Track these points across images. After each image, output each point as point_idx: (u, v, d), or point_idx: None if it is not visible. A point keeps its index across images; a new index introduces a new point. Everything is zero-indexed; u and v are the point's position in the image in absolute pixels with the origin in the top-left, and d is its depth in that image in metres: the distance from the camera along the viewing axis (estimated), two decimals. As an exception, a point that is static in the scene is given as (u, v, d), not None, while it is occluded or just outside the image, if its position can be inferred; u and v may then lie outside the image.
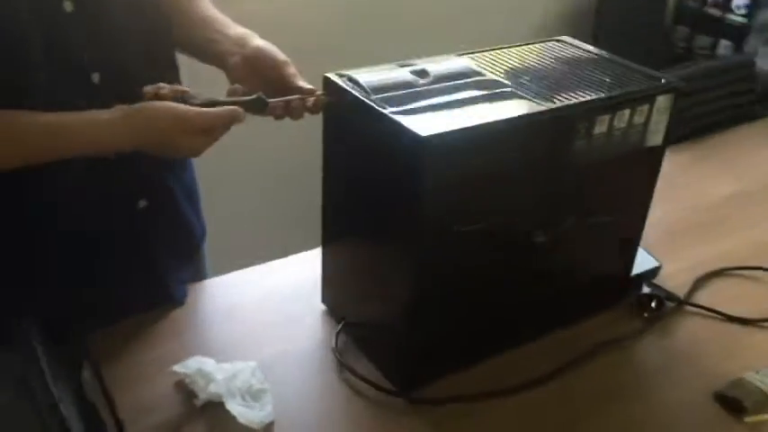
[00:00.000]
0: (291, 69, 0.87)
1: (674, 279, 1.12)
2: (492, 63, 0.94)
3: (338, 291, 1.01)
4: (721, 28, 2.40)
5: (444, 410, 0.89)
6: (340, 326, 0.97)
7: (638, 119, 0.89)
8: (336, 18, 2.05)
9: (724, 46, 2.43)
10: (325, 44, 1.83)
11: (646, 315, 1.05)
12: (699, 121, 1.61)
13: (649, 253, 1.11)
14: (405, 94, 0.83)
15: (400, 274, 0.84)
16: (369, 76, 0.84)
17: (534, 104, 0.83)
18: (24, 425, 0.78)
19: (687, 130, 1.51)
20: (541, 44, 1.01)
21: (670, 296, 1.08)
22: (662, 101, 0.90)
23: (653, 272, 1.10)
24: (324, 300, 1.04)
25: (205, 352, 0.94)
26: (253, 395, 0.88)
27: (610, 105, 0.85)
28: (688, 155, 1.51)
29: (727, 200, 1.38)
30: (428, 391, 0.91)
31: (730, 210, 1.35)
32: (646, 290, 1.07)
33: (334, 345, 0.96)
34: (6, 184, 0.82)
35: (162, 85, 0.80)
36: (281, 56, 0.88)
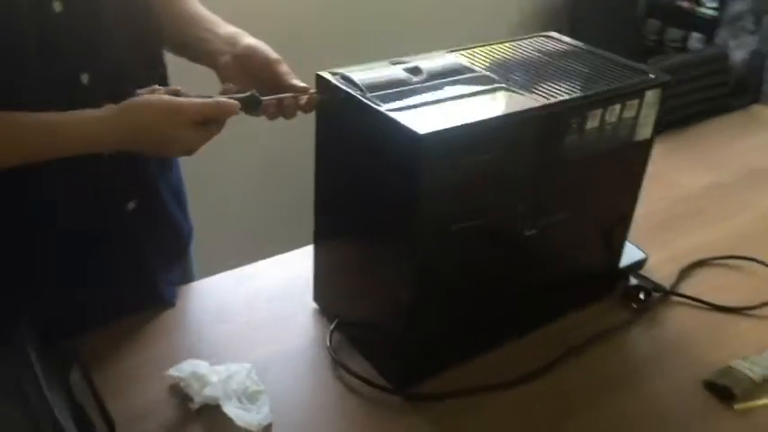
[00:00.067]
0: (284, 67, 0.86)
1: (660, 270, 1.14)
2: (483, 59, 0.94)
3: (331, 289, 1.00)
4: (692, 21, 2.44)
5: (442, 406, 0.90)
6: (334, 324, 0.97)
7: (629, 113, 0.90)
8: (311, 17, 2.03)
9: (695, 39, 2.47)
10: (306, 43, 1.82)
11: (634, 306, 1.07)
12: (674, 114, 1.63)
13: (635, 245, 1.12)
14: (399, 91, 0.83)
15: (397, 273, 0.84)
16: (362, 74, 0.84)
17: (528, 100, 0.83)
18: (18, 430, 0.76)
19: (662, 122, 1.53)
20: (529, 40, 1.02)
21: (657, 287, 1.09)
22: (650, 95, 0.91)
23: (639, 264, 1.12)
24: (316, 298, 1.04)
25: (197, 354, 0.93)
26: (249, 397, 0.88)
27: (602, 100, 0.86)
28: (663, 147, 1.51)
29: (704, 191, 1.41)
30: (424, 387, 0.91)
31: (708, 201, 1.38)
32: (633, 281, 1.09)
33: (328, 343, 0.96)
34: None
35: (156, 87, 0.79)
36: (272, 54, 0.88)
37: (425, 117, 0.78)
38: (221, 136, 0.86)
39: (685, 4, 2.46)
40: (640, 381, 0.97)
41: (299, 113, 0.87)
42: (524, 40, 1.01)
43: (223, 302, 1.05)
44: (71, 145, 0.77)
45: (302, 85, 0.85)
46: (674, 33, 2.56)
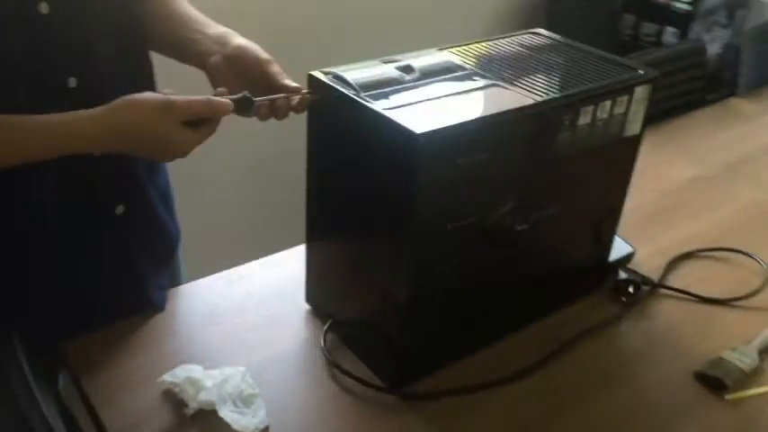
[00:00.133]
0: (275, 67, 0.85)
1: (647, 263, 1.15)
2: (473, 57, 0.94)
3: (324, 289, 1.00)
4: (667, 15, 2.47)
5: (436, 405, 0.90)
6: (328, 325, 0.96)
7: (619, 109, 0.90)
8: (290, 18, 2.01)
9: (669, 33, 2.50)
10: (286, 44, 1.80)
11: (624, 300, 1.08)
12: (654, 108, 1.65)
13: (623, 238, 1.13)
14: (392, 90, 0.82)
15: (393, 272, 0.84)
16: (355, 73, 0.83)
17: (521, 97, 0.84)
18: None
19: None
20: (517, 37, 1.02)
21: (645, 280, 1.10)
22: (640, 91, 0.92)
23: (628, 257, 1.13)
24: (308, 299, 1.03)
25: (189, 359, 0.92)
26: (244, 401, 0.87)
27: (593, 96, 0.86)
28: (646, 141, 1.54)
29: (687, 184, 1.43)
30: (418, 386, 0.91)
31: (692, 194, 1.40)
32: (622, 275, 1.10)
33: (322, 344, 0.95)
34: None
35: (148, 93, 0.77)
36: (263, 54, 0.86)
37: (421, 116, 0.77)
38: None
39: (660, -1, 2.48)
40: (632, 374, 0.97)
41: (290, 114, 0.86)
42: (512, 37, 1.01)
43: (214, 305, 1.04)
44: (61, 144, 0.75)
45: (294, 85, 0.84)
46: (648, 28, 2.59)
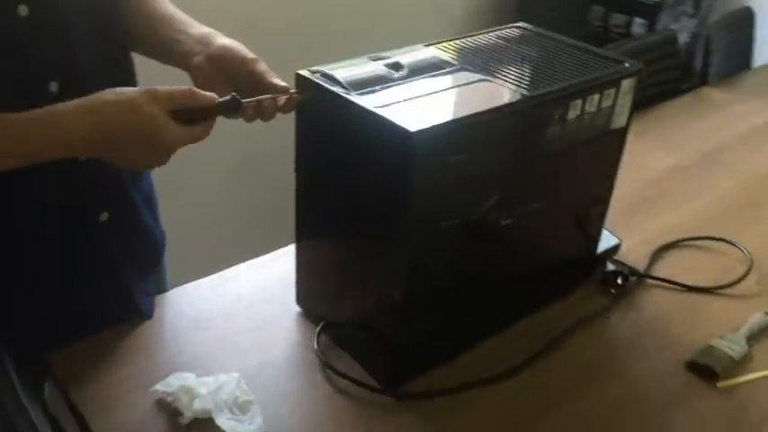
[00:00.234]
0: (262, 66, 0.84)
1: (632, 254, 1.16)
2: (460, 52, 0.93)
3: (315, 291, 0.99)
4: (635, 6, 2.49)
5: (431, 404, 0.89)
6: (320, 326, 0.95)
7: (606, 102, 0.91)
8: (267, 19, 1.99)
9: (638, 24, 2.53)
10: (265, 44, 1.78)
11: (613, 291, 1.08)
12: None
13: (609, 230, 1.14)
14: (382, 87, 0.81)
15: (388, 272, 0.83)
16: (344, 71, 0.82)
17: (511, 92, 0.83)
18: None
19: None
20: (501, 31, 1.01)
21: (633, 271, 1.11)
22: (626, 84, 0.92)
23: (614, 249, 1.14)
24: (298, 300, 1.02)
25: (180, 366, 0.90)
26: (240, 407, 0.85)
27: (583, 90, 0.86)
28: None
29: (667, 174, 1.44)
30: (412, 386, 0.91)
31: (671, 183, 1.41)
32: (610, 267, 1.11)
33: (315, 346, 0.94)
34: None
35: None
36: (249, 53, 0.85)
37: (414, 113, 0.77)
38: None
39: (628, -11, 2.50)
40: (623, 366, 0.98)
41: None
42: (497, 32, 1.01)
43: (202, 310, 1.02)
44: (37, 133, 0.71)
45: (282, 84, 0.82)
46: (617, 19, 2.61)
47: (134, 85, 0.91)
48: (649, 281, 1.12)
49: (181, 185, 1.66)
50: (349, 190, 0.85)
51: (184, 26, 0.88)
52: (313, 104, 0.83)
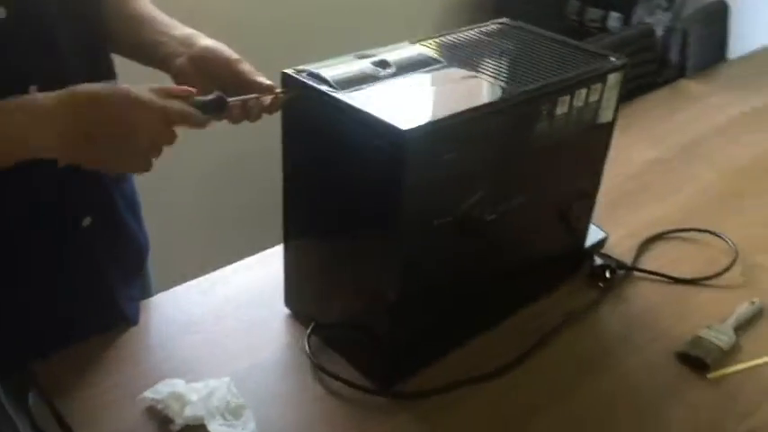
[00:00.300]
0: (246, 65, 0.82)
1: (618, 247, 1.17)
2: (447, 49, 0.93)
3: (305, 291, 0.97)
4: (610, 0, 2.50)
5: (427, 403, 0.89)
6: (311, 328, 0.94)
7: (593, 97, 0.91)
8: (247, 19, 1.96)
9: (614, 18, 2.54)
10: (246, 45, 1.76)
11: (601, 285, 1.09)
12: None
13: (595, 224, 1.14)
14: (370, 86, 0.80)
15: (381, 271, 0.82)
16: (331, 70, 0.81)
17: (500, 88, 0.83)
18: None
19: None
20: (485, 28, 1.01)
21: (620, 264, 1.12)
22: (612, 78, 0.92)
23: (601, 243, 1.14)
24: (287, 302, 1.00)
25: (168, 373, 0.89)
26: (232, 412, 0.84)
27: (571, 85, 0.86)
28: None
29: (648, 167, 1.45)
30: (406, 385, 0.90)
31: (653, 176, 1.42)
32: (598, 261, 1.11)
33: (306, 348, 0.93)
34: None
35: None
36: (232, 54, 0.83)
37: (405, 111, 0.76)
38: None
39: (603, -17, 2.52)
40: (615, 359, 0.98)
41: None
42: (481, 28, 1.01)
43: (189, 314, 1.00)
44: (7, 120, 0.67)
45: (268, 82, 0.81)
46: (593, 13, 2.62)
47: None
48: (637, 273, 1.12)
49: (164, 187, 1.63)
50: (337, 189, 0.84)
51: (167, 28, 0.86)
52: (300, 103, 0.81)
